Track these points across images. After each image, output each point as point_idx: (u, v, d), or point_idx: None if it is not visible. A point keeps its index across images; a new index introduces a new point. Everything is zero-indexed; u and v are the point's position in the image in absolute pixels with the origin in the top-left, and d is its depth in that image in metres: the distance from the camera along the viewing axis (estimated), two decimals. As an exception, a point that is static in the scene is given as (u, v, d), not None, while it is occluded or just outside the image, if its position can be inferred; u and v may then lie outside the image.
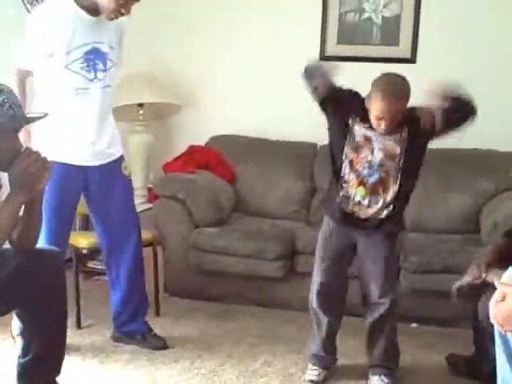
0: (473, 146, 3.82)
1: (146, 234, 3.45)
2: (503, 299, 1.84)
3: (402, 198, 2.65)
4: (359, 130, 2.57)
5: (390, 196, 2.60)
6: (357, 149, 2.57)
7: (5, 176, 2.13)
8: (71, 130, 2.76)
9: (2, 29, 3.56)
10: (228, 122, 4.25)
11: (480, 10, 4.00)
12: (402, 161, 2.58)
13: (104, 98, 2.81)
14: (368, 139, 2.56)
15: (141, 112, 4.24)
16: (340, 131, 2.61)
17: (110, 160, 2.88)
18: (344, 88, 2.68)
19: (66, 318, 2.31)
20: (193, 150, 4.07)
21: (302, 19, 4.19)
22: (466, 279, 2.56)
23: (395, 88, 2.53)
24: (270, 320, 3.34)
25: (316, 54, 4.19)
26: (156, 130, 4.34)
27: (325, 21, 4.18)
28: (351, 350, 2.95)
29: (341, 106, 2.62)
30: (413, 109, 2.60)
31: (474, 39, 4.00)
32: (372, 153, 2.56)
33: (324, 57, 4.20)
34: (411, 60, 4.12)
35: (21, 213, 2.10)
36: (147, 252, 3.45)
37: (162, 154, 4.23)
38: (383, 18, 4.14)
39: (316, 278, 2.73)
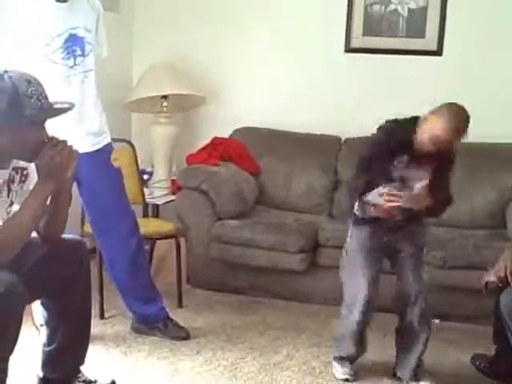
0: (499, 140, 3.77)
1: (168, 226, 3.49)
2: None
3: None
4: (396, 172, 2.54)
5: None
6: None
7: (31, 166, 2.16)
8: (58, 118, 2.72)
9: None
10: (252, 115, 4.24)
11: (509, 1, 3.94)
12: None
13: (84, 82, 2.77)
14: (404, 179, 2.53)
15: (165, 104, 4.24)
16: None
17: (97, 147, 2.83)
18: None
19: (90, 308, 2.33)
20: (216, 142, 4.07)
21: (327, 11, 4.17)
22: (495, 273, 2.54)
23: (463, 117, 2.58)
24: (292, 313, 3.34)
25: (341, 46, 4.17)
26: (180, 122, 4.34)
27: (350, 12, 4.14)
28: (380, 346, 2.93)
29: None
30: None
31: (502, 31, 3.94)
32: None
33: (349, 49, 4.18)
34: (437, 52, 4.07)
35: (48, 202, 2.12)
36: (170, 243, 3.48)
37: (185, 145, 4.24)
38: (409, 9, 4.09)
39: (362, 290, 2.62)
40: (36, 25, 2.63)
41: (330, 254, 3.44)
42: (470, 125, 3.81)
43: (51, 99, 2.37)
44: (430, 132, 2.46)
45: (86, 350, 2.34)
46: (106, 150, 2.90)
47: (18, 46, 2.63)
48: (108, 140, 2.93)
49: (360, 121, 4.05)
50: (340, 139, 4.07)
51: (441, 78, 4.05)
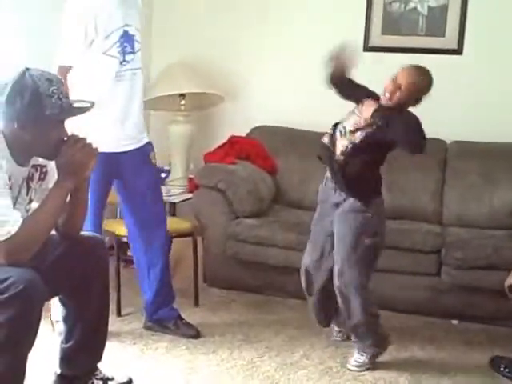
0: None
1: (185, 224, 3.49)
2: None
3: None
4: None
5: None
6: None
7: (51, 164, 2.16)
8: (105, 115, 2.74)
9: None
10: (270, 113, 4.22)
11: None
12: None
13: (133, 80, 2.81)
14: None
15: (182, 102, 4.24)
16: None
17: (138, 145, 2.88)
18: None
19: (108, 305, 2.33)
20: (234, 141, 4.06)
21: (346, 9, 4.15)
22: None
23: (423, 73, 2.74)
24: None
25: (360, 44, 4.14)
26: (197, 121, 4.34)
27: (369, 10, 4.11)
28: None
29: None
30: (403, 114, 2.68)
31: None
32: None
33: (368, 47, 4.15)
34: (457, 51, 4.03)
35: (67, 199, 2.12)
36: (186, 242, 3.48)
37: (202, 144, 4.24)
38: (429, 7, 4.06)
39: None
40: (102, 19, 2.68)
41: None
42: (488, 124, 3.83)
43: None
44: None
45: (103, 347, 2.35)
46: (147, 149, 2.95)
47: (81, 43, 2.69)
48: (147, 139, 2.97)
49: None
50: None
51: (461, 77, 4.01)
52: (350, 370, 2.72)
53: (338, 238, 2.73)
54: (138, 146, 2.89)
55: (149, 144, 2.98)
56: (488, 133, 3.82)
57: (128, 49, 2.76)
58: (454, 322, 3.31)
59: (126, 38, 2.76)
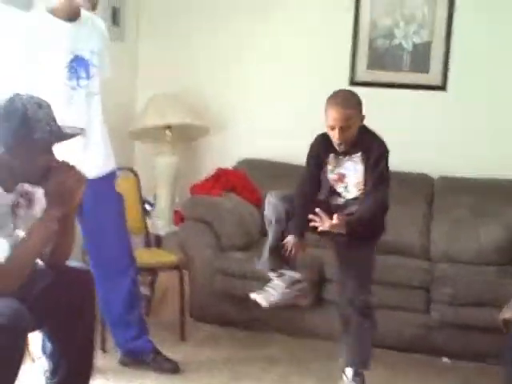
0: (504, 175, 3.75)
1: (171, 257, 3.43)
2: None
3: None
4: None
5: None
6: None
7: (38, 191, 2.11)
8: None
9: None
10: (256, 146, 4.20)
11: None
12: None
13: (89, 105, 2.74)
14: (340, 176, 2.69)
15: (168, 134, 4.21)
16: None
17: (101, 174, 2.77)
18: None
19: (93, 340, 2.26)
20: (220, 173, 4.03)
21: (332, 44, 4.17)
22: (511, 311, 2.49)
23: (344, 97, 2.66)
24: (298, 348, 3.26)
25: (346, 79, 4.16)
26: (183, 152, 4.30)
27: (355, 46, 4.15)
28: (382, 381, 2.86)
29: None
30: (367, 132, 2.70)
31: (507, 66, 3.94)
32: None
33: (354, 82, 4.17)
34: (441, 87, 4.07)
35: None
36: (172, 275, 3.41)
37: (188, 176, 4.19)
38: (414, 44, 4.11)
39: None
40: (45, 43, 2.61)
41: (336, 289, 3.38)
42: (474, 160, 3.85)
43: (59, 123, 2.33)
44: (326, 124, 2.62)
45: (88, 382, 2.26)
46: (110, 177, 2.86)
47: (27, 65, 2.62)
48: (112, 166, 2.88)
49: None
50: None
51: (445, 113, 4.05)
52: None
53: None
54: (101, 174, 2.78)
55: (113, 172, 2.88)
56: (474, 168, 3.84)
57: (82, 74, 2.69)
58: (445, 359, 3.27)
59: (80, 63, 2.69)
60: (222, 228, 3.56)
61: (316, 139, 2.79)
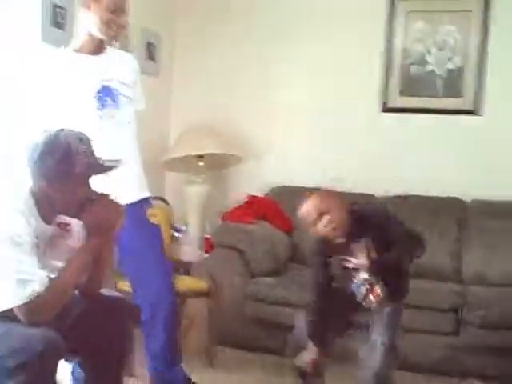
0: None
1: (201, 283, 3.43)
2: None
3: None
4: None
5: None
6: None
7: (75, 222, 2.13)
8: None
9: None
10: (286, 174, 4.23)
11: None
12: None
13: (120, 134, 2.74)
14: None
15: (201, 163, 4.25)
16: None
17: (136, 199, 2.75)
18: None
19: (123, 368, 2.26)
20: (251, 201, 4.05)
21: (365, 70, 4.18)
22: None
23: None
24: (328, 374, 3.19)
25: (379, 106, 4.16)
26: (214, 180, 4.34)
27: (387, 72, 4.15)
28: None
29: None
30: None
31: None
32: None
33: (386, 108, 4.16)
34: (475, 112, 4.02)
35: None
36: (202, 302, 3.41)
37: (219, 204, 4.23)
38: (447, 69, 4.08)
39: None
40: (74, 77, 2.68)
41: (365, 313, 3.32)
42: (507, 184, 3.78)
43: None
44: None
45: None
46: (143, 205, 2.84)
47: (58, 99, 2.68)
48: (146, 194, 2.86)
49: (396, 179, 4.01)
50: (373, 196, 4.00)
51: (480, 137, 3.99)
52: None
53: None
54: (133, 200, 2.74)
55: (147, 200, 2.85)
56: (507, 192, 3.77)
57: (109, 102, 2.71)
58: (475, 383, 3.17)
59: (107, 93, 2.71)
60: (253, 255, 3.56)
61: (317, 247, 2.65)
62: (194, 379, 2.94)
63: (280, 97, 4.33)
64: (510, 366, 3.08)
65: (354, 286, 2.52)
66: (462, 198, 3.84)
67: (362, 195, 4.00)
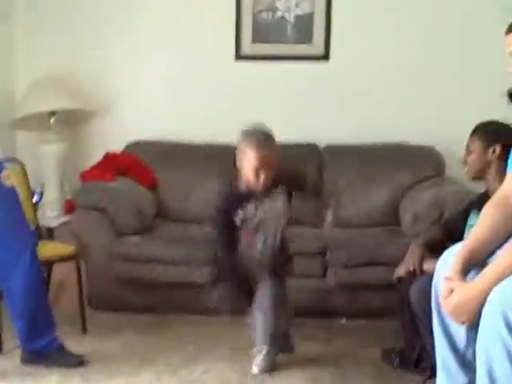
0: (390, 141, 3.92)
1: (67, 248, 3.34)
2: (450, 294, 1.90)
3: None
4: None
5: None
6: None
7: None
8: None
9: None
10: (144, 128, 4.14)
11: (392, 4, 4.08)
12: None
13: None
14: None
15: (52, 120, 4.06)
16: None
17: None
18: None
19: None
20: (110, 158, 3.95)
21: (216, 19, 4.16)
22: (404, 269, 2.65)
23: (262, 137, 2.72)
24: (205, 327, 3.28)
25: (232, 54, 4.17)
26: (69, 138, 4.18)
27: (239, 20, 4.15)
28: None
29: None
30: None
31: (386, 34, 4.09)
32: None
33: (239, 56, 4.19)
34: (324, 57, 4.16)
35: None
36: (69, 266, 3.33)
37: (77, 163, 4.09)
38: (296, 16, 4.16)
39: None
40: None
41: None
42: (358, 127, 4.00)
43: None
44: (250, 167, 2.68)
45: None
46: None
47: None
48: None
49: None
50: (235, 147, 4.05)
51: (328, 83, 4.15)
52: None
53: None
54: None
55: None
56: (359, 135, 3.98)
57: None
58: (343, 320, 3.41)
59: None
60: (118, 213, 3.50)
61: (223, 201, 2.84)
62: (68, 346, 2.90)
63: (131, 46, 4.20)
64: (375, 301, 3.33)
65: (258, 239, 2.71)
66: (316, 143, 4.00)
67: (224, 145, 4.05)
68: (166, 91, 4.23)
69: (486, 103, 3.87)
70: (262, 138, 2.65)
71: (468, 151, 2.67)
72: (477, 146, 2.63)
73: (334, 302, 3.39)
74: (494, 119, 2.69)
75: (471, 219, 2.62)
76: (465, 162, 2.68)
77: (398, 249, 3.14)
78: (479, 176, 2.66)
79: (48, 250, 3.31)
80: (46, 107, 3.96)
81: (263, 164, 2.63)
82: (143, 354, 2.98)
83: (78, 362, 2.84)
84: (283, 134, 3.94)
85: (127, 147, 4.05)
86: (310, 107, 4.15)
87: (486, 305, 1.80)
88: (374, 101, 4.08)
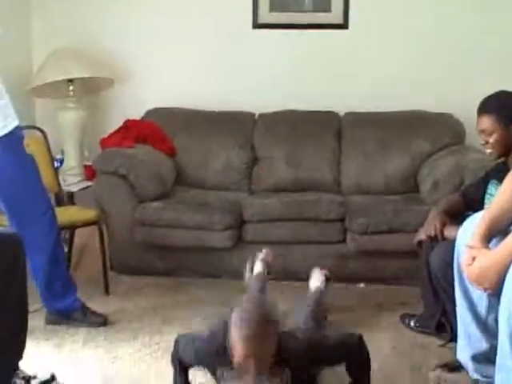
0: (404, 107, 3.91)
1: (89, 213, 3.39)
2: (472, 261, 1.92)
3: None
4: None
5: None
6: None
7: None
8: None
9: None
10: (163, 95, 4.16)
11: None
12: None
13: None
14: None
15: (71, 88, 4.08)
16: None
17: (4, 132, 2.65)
18: None
19: (26, 301, 2.23)
20: (129, 125, 3.97)
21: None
22: (425, 233, 2.66)
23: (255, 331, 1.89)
24: (223, 290, 3.31)
25: (249, 22, 4.17)
26: (88, 106, 4.20)
27: (256, -11, 4.14)
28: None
29: None
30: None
31: (404, 3, 4.06)
32: None
33: (257, 24, 4.18)
34: (343, 26, 4.15)
35: None
36: (92, 231, 3.38)
37: (96, 129, 4.13)
38: (315, -14, 4.14)
39: None
40: None
41: (255, 230, 3.48)
42: (378, 95, 4.00)
43: None
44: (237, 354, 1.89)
45: (24, 344, 2.25)
46: (16, 135, 2.73)
47: None
48: (16, 123, 2.72)
49: (272, 95, 4.11)
50: (254, 115, 4.08)
51: (348, 50, 4.15)
52: None
53: None
54: (4, 131, 2.65)
55: (18, 129, 2.73)
56: (378, 103, 3.98)
57: None
58: (361, 285, 3.45)
59: None
60: (138, 179, 3.53)
61: None
62: (92, 307, 2.97)
63: (150, 13, 4.20)
64: (393, 267, 3.37)
65: None
66: (336, 110, 4.01)
67: (241, 113, 4.07)
68: (185, 59, 4.24)
69: (504, 71, 3.88)
70: (252, 333, 1.86)
71: (486, 132, 2.53)
72: (496, 125, 2.50)
73: (352, 267, 3.43)
74: (498, 91, 2.56)
75: (490, 188, 2.62)
76: (486, 144, 2.56)
77: (416, 216, 3.18)
78: (505, 154, 2.56)
79: (70, 214, 3.37)
80: (63, 75, 3.97)
81: (252, 357, 1.87)
82: (164, 315, 3.04)
83: (102, 321, 2.91)
84: (302, 102, 4.02)
85: (146, 114, 4.08)
86: (328, 75, 4.14)
87: (509, 273, 1.83)
88: (393, 69, 4.07)
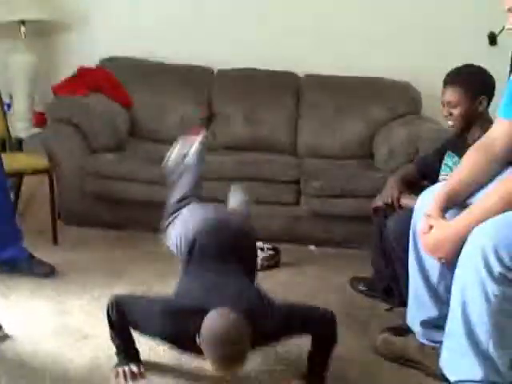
0: (366, 74, 3.92)
1: (40, 161, 3.28)
2: (429, 230, 1.96)
3: None
4: None
5: None
6: None
7: None
8: None
9: None
10: (119, 44, 4.05)
11: None
12: None
13: None
14: None
15: (22, 29, 3.91)
16: None
17: None
18: None
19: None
20: (83, 72, 3.84)
21: None
22: (382, 200, 2.69)
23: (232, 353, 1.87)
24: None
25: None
26: (40, 50, 4.05)
27: None
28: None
29: None
30: None
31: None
32: None
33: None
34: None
35: None
36: (41, 179, 3.29)
37: (47, 76, 3.98)
38: None
39: None
40: None
41: (208, 187, 3.43)
42: (340, 59, 3.98)
43: None
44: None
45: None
46: None
47: None
48: None
49: (232, 51, 4.03)
50: (213, 71, 4.01)
51: (309, 12, 4.09)
52: None
53: None
54: None
55: None
56: (337, 67, 3.97)
57: None
58: (312, 247, 3.48)
59: None
60: (91, 129, 3.44)
61: None
62: (39, 257, 2.90)
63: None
64: (345, 231, 3.41)
65: None
66: (296, 72, 3.97)
67: (200, 67, 3.99)
68: (143, 5, 4.11)
69: (464, 42, 3.91)
70: (229, 353, 1.84)
71: (451, 104, 2.49)
72: (463, 98, 2.47)
73: (304, 229, 3.45)
74: (467, 64, 2.54)
75: (447, 160, 2.63)
76: (450, 115, 2.53)
77: (370, 182, 3.22)
78: (466, 128, 2.53)
79: (19, 161, 3.27)
80: (15, 16, 3.80)
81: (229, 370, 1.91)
82: (114, 268, 3.00)
83: (49, 270, 2.85)
84: (262, 62, 3.96)
85: (101, 62, 3.95)
86: (289, 36, 4.09)
87: (466, 244, 1.86)
88: (352, 34, 4.04)
